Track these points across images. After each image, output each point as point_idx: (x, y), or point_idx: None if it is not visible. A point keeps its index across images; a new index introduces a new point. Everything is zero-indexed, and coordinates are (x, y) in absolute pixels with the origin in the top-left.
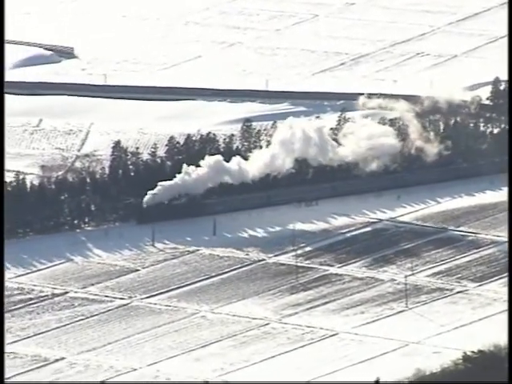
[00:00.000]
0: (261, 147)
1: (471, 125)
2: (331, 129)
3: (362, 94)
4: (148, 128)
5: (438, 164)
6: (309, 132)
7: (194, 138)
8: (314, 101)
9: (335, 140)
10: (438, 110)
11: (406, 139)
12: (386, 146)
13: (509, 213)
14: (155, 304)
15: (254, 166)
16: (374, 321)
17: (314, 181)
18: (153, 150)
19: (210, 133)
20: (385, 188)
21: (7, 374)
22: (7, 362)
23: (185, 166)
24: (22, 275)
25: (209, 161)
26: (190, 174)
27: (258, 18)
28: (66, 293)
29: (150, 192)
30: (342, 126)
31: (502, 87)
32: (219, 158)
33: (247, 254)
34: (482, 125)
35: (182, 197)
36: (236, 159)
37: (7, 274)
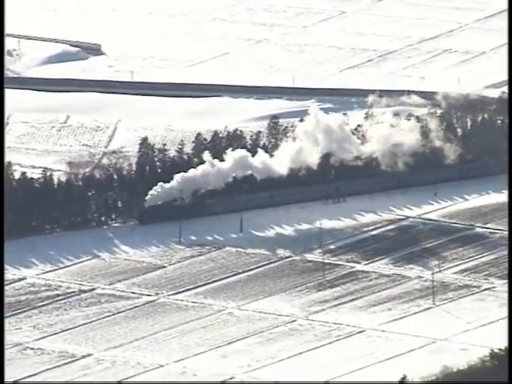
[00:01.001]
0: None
1: (499, 121)
2: (358, 125)
3: (390, 90)
4: (175, 124)
5: (464, 161)
6: (332, 127)
7: (220, 135)
8: (341, 97)
9: (359, 137)
10: (465, 107)
11: (429, 136)
12: (409, 143)
13: (509, 213)
14: (182, 301)
15: (279, 161)
16: (401, 318)
17: (339, 178)
18: (180, 146)
19: (236, 129)
20: (411, 185)
21: (35, 369)
22: (35, 359)
23: (207, 154)
24: (50, 271)
25: (233, 155)
26: (214, 165)
27: (285, 14)
28: (93, 289)
29: (153, 190)
30: (367, 123)
31: None
32: (244, 152)
33: (274, 251)
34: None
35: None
36: (261, 154)
37: (35, 271)
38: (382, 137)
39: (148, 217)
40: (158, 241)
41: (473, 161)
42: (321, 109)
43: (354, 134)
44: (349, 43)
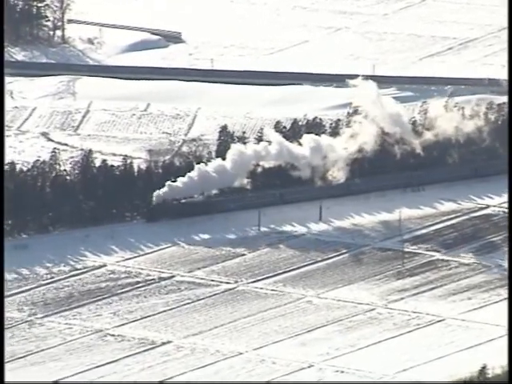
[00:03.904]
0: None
1: None
2: (433, 114)
3: (471, 78)
4: (254, 112)
5: None
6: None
7: (300, 123)
8: (420, 86)
9: (427, 126)
10: None
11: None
12: (479, 132)
13: (509, 213)
14: (261, 288)
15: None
16: (481, 307)
17: (418, 166)
18: (259, 134)
19: (316, 117)
20: (490, 174)
21: (116, 356)
22: (115, 345)
23: (269, 129)
24: (129, 259)
25: (308, 139)
26: (289, 148)
27: (365, 2)
28: (173, 277)
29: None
30: (447, 111)
31: None
32: (318, 137)
33: (353, 240)
34: None
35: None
36: (335, 140)
37: (115, 258)
38: (453, 126)
39: (156, 215)
40: (237, 229)
41: None
42: (400, 97)
43: (423, 123)
44: (429, 31)
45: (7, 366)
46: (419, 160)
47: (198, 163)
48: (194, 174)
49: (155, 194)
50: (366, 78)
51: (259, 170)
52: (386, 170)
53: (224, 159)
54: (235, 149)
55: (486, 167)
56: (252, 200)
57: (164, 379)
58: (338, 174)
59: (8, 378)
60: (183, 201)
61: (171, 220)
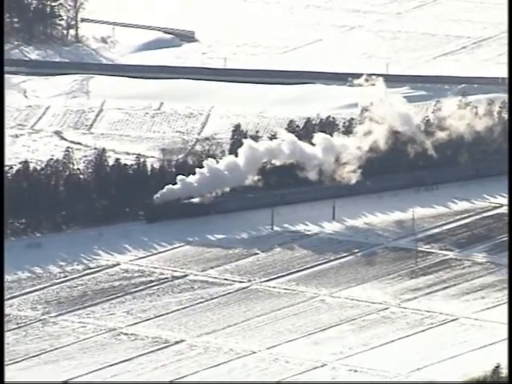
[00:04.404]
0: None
1: None
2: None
3: (484, 77)
4: (267, 111)
5: None
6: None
7: (313, 122)
8: (434, 85)
9: (439, 126)
10: None
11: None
12: (489, 131)
13: (509, 213)
14: (274, 287)
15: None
16: (494, 306)
17: (430, 166)
18: (272, 133)
19: (329, 116)
20: (503, 173)
21: (129, 355)
22: (129, 344)
23: (282, 131)
24: (143, 257)
25: (320, 138)
26: (301, 147)
27: (379, 1)
28: (186, 275)
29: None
30: (460, 110)
31: None
32: (329, 136)
33: (366, 239)
34: None
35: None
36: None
37: (128, 257)
38: (466, 125)
39: (154, 216)
40: (250, 228)
41: None
42: (414, 96)
43: (436, 122)
44: (442, 30)
45: (21, 365)
46: (431, 159)
47: None
48: (204, 170)
49: (157, 194)
50: (378, 76)
51: (270, 167)
52: (397, 169)
53: (236, 157)
54: (247, 145)
55: (496, 166)
56: (253, 200)
57: (177, 378)
58: (348, 175)
59: (21, 376)
60: (183, 201)
61: (170, 221)
